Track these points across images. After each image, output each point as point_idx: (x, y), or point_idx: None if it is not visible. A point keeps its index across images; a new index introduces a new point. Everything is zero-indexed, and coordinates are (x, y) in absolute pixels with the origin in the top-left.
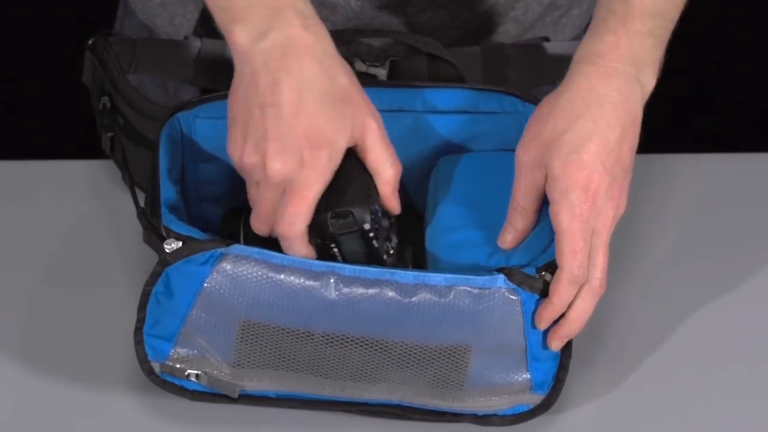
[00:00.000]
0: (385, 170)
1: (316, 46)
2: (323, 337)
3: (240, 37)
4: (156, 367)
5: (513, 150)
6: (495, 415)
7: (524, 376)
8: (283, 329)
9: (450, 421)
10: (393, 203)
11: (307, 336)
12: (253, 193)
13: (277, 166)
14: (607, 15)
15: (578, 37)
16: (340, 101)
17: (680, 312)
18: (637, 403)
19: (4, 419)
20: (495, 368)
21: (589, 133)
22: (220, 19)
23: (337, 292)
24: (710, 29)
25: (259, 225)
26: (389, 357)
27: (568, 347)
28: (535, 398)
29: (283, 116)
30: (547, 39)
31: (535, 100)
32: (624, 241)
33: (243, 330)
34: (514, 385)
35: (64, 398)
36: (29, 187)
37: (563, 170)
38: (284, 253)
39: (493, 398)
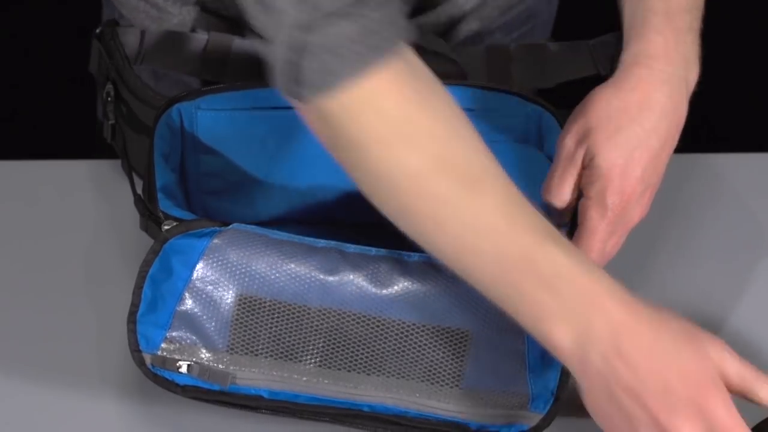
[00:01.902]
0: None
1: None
2: (320, 311)
3: (563, 341)
4: (147, 358)
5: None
6: (489, 430)
7: (522, 387)
8: (280, 303)
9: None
10: None
11: (304, 312)
12: None
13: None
14: (647, 14)
15: None
16: (689, 339)
17: (680, 313)
18: None
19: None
20: (493, 370)
21: (638, 140)
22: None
23: (337, 265)
24: (710, 28)
25: None
26: (386, 337)
27: None
28: (533, 417)
29: (664, 390)
30: (550, 39)
31: (538, 101)
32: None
33: (239, 306)
34: (511, 395)
35: (57, 397)
36: (29, 187)
37: (607, 172)
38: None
39: (489, 409)
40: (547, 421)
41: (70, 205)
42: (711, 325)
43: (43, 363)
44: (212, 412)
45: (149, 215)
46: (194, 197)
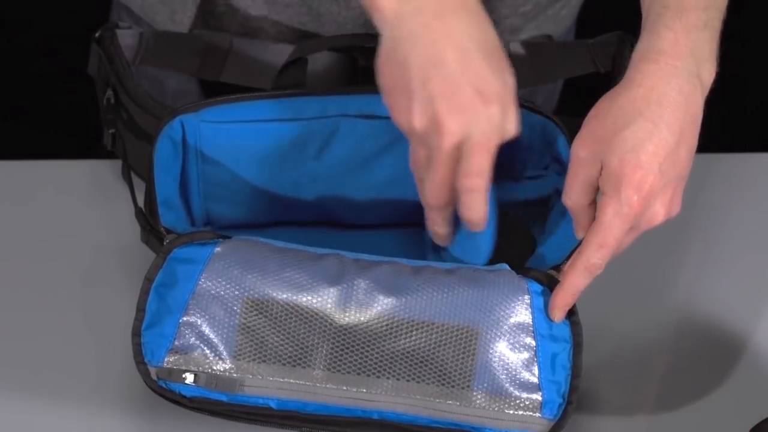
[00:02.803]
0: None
1: None
2: (327, 313)
3: (386, 2)
4: (153, 371)
5: None
6: None
7: (534, 389)
8: (287, 307)
9: None
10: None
11: (312, 314)
12: (420, 159)
13: (453, 125)
14: (661, 11)
15: (571, 28)
16: (496, 54)
17: (681, 313)
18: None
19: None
20: (503, 370)
21: (648, 133)
22: None
23: (342, 270)
24: None
25: (435, 191)
26: (394, 336)
27: (577, 366)
28: (544, 424)
29: (450, 74)
30: (550, 37)
31: (541, 111)
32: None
33: (245, 312)
34: (523, 398)
35: (55, 404)
36: (29, 187)
37: (619, 167)
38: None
39: (502, 412)
40: (559, 426)
41: (70, 206)
42: (732, 328)
43: (38, 365)
44: (217, 427)
45: (150, 229)
46: (195, 203)
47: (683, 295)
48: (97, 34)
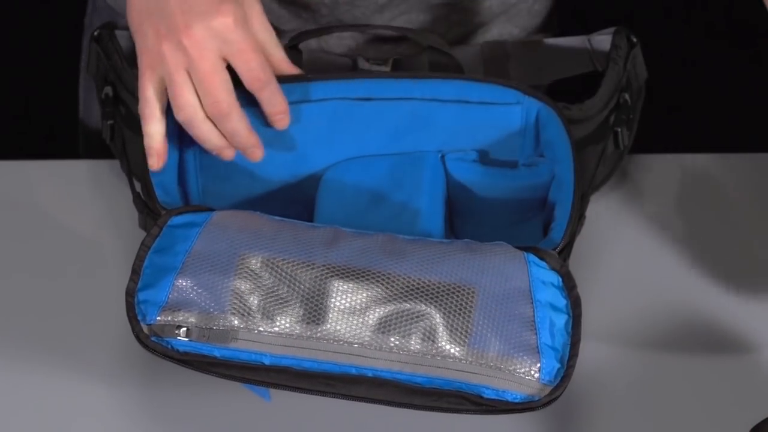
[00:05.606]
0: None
1: None
2: (323, 269)
3: None
4: (145, 328)
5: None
6: (500, 399)
7: (532, 353)
8: (282, 262)
9: (451, 405)
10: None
11: (308, 269)
12: (188, 103)
13: (198, 33)
14: None
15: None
16: None
17: (681, 313)
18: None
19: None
20: (501, 331)
21: None
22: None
23: (338, 236)
24: (706, 28)
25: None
26: (391, 294)
27: (576, 335)
28: (542, 387)
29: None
30: (546, 36)
31: (535, 93)
32: (624, 242)
33: (239, 269)
34: (521, 360)
35: (59, 393)
36: (29, 187)
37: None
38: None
39: (498, 368)
40: (557, 390)
41: (70, 205)
42: (732, 328)
43: (39, 361)
44: (207, 397)
45: (148, 212)
46: (193, 198)
47: (683, 295)
48: (95, 33)
